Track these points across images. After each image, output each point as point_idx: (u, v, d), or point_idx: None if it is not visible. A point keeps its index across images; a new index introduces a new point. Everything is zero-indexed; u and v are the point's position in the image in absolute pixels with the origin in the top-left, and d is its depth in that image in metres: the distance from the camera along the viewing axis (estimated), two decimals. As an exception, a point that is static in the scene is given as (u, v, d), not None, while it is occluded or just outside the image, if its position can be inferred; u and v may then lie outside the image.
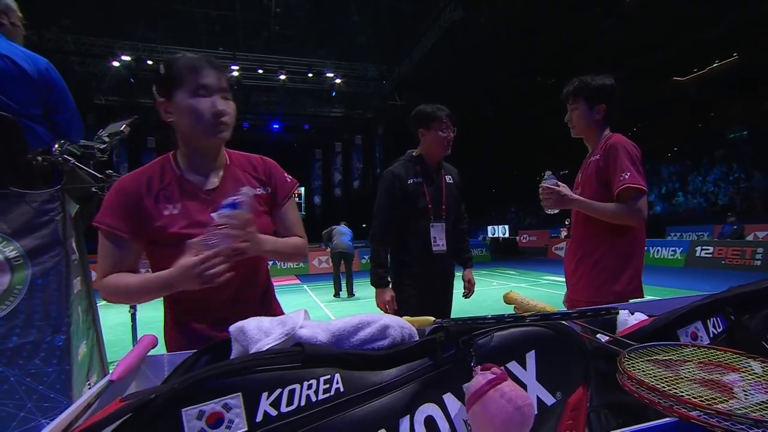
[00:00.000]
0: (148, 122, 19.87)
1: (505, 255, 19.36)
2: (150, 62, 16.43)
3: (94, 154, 1.51)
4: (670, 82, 21.37)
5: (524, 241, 21.88)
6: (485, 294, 8.72)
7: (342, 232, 9.31)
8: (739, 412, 0.54)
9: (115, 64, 16.13)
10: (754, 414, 0.55)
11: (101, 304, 1.62)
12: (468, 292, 2.57)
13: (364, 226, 18.80)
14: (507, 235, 21.85)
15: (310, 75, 18.67)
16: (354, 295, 9.35)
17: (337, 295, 9.38)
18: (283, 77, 17.80)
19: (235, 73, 17.63)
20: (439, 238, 2.33)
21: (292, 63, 18.07)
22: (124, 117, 1.74)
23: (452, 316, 2.01)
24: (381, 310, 2.20)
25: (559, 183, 1.83)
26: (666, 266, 12.80)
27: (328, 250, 9.67)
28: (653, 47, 16.69)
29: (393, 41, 17.41)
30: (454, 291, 2.52)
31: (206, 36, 16.41)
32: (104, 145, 1.54)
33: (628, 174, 1.73)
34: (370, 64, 19.46)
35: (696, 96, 20.77)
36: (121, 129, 1.63)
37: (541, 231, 21.08)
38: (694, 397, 0.60)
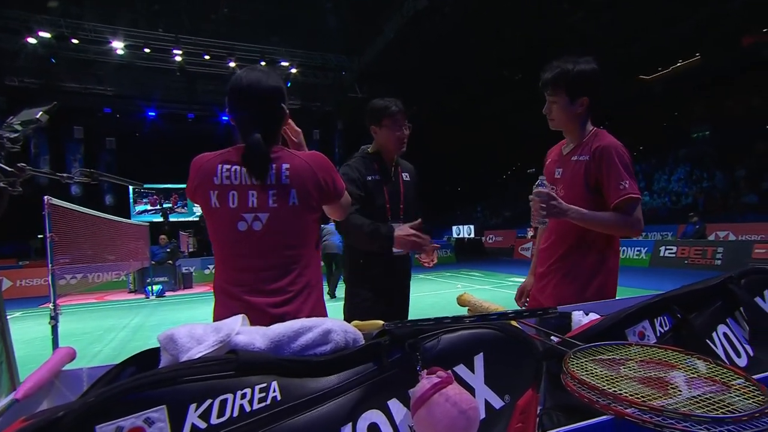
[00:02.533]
0: (73, 109, 19.03)
1: (471, 256, 19.73)
2: (75, 41, 15.48)
3: (3, 144, 1.42)
4: (636, 81, 22.42)
5: (490, 241, 22.35)
6: (449, 296, 8.86)
7: (332, 231, 9.10)
8: (671, 407, 0.59)
9: (32, 40, 14.93)
10: (684, 409, 0.59)
11: (13, 316, 1.53)
12: (432, 259, 2.39)
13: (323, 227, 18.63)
14: (472, 235, 22.25)
15: (263, 63, 18.30)
16: (335, 296, 9.30)
17: (333, 295, 9.24)
18: (232, 64, 17.38)
19: (178, 59, 17.06)
20: None
21: (242, 49, 17.67)
22: (41, 102, 1.64)
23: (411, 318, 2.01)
24: (421, 245, 2.07)
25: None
26: (631, 266, 13.43)
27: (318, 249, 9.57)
28: (620, 44, 17.45)
29: (353, 29, 17.37)
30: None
31: (143, 15, 15.75)
32: (16, 134, 1.44)
33: (627, 183, 1.71)
34: (328, 53, 19.30)
35: (661, 94, 21.88)
36: (38, 116, 1.53)
37: (508, 231, 21.62)
38: (631, 395, 0.64)
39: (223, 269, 1.45)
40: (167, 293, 11.70)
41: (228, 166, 1.42)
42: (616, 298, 1.42)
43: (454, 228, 23.23)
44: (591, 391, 0.67)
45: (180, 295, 11.59)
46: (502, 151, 27.81)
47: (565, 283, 1.85)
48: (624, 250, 14.13)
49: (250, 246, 1.41)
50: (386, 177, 2.36)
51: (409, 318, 2.31)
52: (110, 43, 16.00)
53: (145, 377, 0.67)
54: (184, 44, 16.83)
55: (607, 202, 1.75)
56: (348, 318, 2.27)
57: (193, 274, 13.40)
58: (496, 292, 9.55)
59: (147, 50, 16.43)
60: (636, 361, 0.80)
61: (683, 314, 1.12)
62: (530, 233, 17.46)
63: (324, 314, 1.51)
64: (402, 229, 2.08)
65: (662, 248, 13.16)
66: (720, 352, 1.15)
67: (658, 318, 1.10)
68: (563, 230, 1.88)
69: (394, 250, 2.15)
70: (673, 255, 12.73)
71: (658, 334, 1.08)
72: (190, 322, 0.98)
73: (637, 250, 13.87)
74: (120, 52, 16.38)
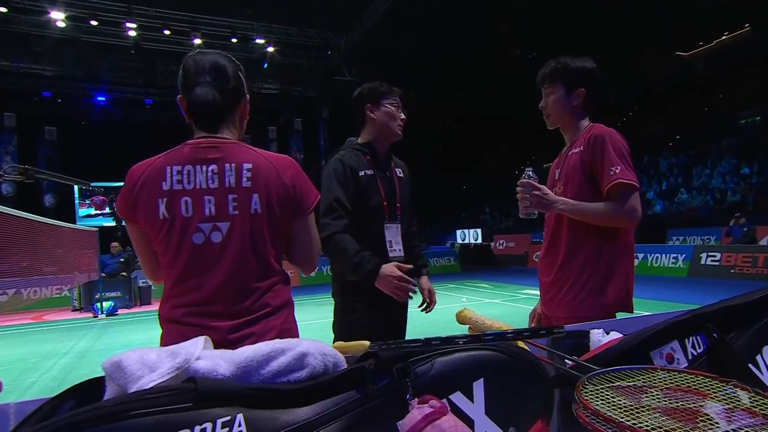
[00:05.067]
0: (3, 92, 18.74)
1: (478, 265, 19.78)
2: (4, 10, 15.18)
3: None
4: (672, 58, 22.54)
5: (500, 247, 22.47)
6: (453, 313, 8.84)
7: None
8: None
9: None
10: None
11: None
12: (429, 303, 2.60)
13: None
14: (480, 240, 22.27)
15: (234, 40, 18.28)
16: None
17: None
18: (197, 41, 17.35)
19: (132, 33, 17.00)
20: (395, 242, 2.38)
21: (209, 23, 17.66)
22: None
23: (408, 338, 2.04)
24: (401, 294, 2.16)
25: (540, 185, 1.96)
26: (666, 276, 13.47)
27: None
28: (653, 14, 17.54)
29: (340, 2, 17.36)
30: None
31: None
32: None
33: (618, 168, 1.87)
34: (311, 29, 19.31)
35: (703, 74, 21.96)
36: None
37: (521, 236, 21.72)
38: (652, 429, 0.65)
39: (173, 292, 1.44)
40: (120, 311, 11.63)
41: (179, 168, 1.41)
42: (645, 314, 1.43)
43: (459, 232, 23.24)
44: (606, 423, 0.68)
45: (135, 313, 11.53)
46: (514, 143, 27.84)
47: (574, 291, 1.96)
48: (657, 257, 14.18)
49: (208, 261, 1.40)
50: (380, 171, 2.40)
51: (407, 338, 2.35)
52: (49, 13, 15.86)
53: (84, 412, 0.67)
54: (138, 16, 16.75)
55: (600, 190, 1.92)
56: (339, 338, 2.29)
57: (152, 288, 13.32)
58: (508, 306, 9.58)
59: (94, 23, 16.33)
60: (661, 389, 0.81)
61: (720, 334, 1.13)
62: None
63: (295, 335, 1.52)
64: (389, 268, 2.15)
65: (703, 255, 13.19)
66: (766, 378, 1.16)
67: (690, 338, 1.11)
68: (559, 233, 2.04)
69: (389, 255, 2.33)
70: (717, 263, 12.75)
71: (690, 357, 1.09)
72: (148, 345, 0.98)
73: (674, 258, 13.90)
74: (61, 24, 16.25)
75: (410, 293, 2.18)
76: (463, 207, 31.32)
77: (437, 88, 22.02)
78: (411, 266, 2.20)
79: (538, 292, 2.26)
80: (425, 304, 2.61)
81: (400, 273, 2.14)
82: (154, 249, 1.47)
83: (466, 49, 19.35)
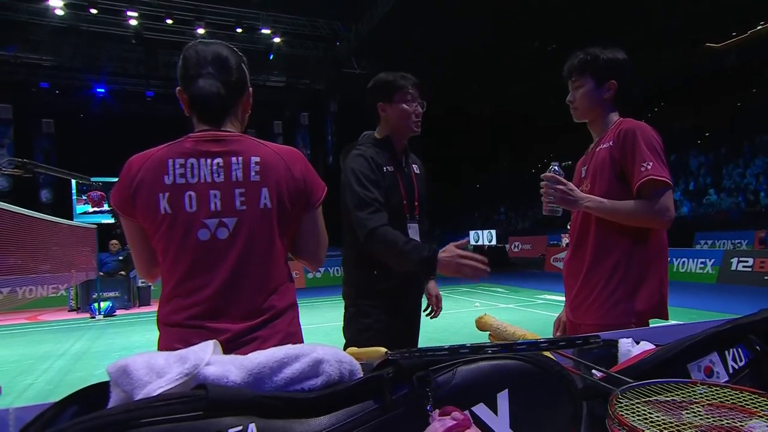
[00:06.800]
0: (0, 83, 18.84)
1: (492, 267, 19.49)
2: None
3: None
4: (701, 50, 22.33)
5: (516, 250, 22.46)
6: (466, 317, 8.83)
7: None
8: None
9: None
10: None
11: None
12: (436, 308, 2.67)
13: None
14: (494, 242, 22.29)
15: (239, 30, 18.37)
16: None
17: None
18: (201, 31, 17.44)
19: (133, 22, 17.12)
20: None
21: (213, 13, 17.73)
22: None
23: (421, 345, 2.03)
24: (464, 272, 2.00)
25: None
26: (693, 282, 13.35)
27: None
28: (679, 4, 17.37)
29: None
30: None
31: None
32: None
33: (651, 164, 1.84)
34: (319, 18, 19.34)
35: (735, 67, 21.70)
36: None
37: (538, 237, 21.66)
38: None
39: (175, 292, 1.43)
40: (118, 312, 11.74)
41: (182, 161, 1.40)
42: (676, 322, 1.41)
43: (472, 233, 23.22)
44: (645, 441, 0.67)
45: (134, 314, 11.62)
46: (531, 140, 27.74)
47: (603, 297, 1.95)
48: (684, 262, 14.06)
49: (213, 259, 1.40)
50: (399, 168, 2.41)
51: (420, 343, 2.36)
52: (47, 0, 15.98)
53: (89, 420, 0.67)
54: (140, 5, 16.85)
55: (631, 188, 1.90)
56: (350, 343, 2.30)
57: (152, 288, 13.41)
58: (524, 312, 9.51)
59: (94, 11, 16.44)
60: (703, 405, 0.79)
61: (764, 346, 1.11)
62: (565, 240, 17.43)
63: (300, 338, 1.52)
64: (448, 251, 2.03)
65: (734, 260, 13.06)
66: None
67: (731, 350, 1.09)
68: (586, 234, 2.02)
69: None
70: (749, 269, 12.62)
71: (731, 371, 1.07)
72: (147, 347, 0.98)
73: (702, 263, 13.78)
74: (59, 12, 16.38)
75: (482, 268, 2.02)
76: (476, 206, 31.24)
77: (450, 80, 21.94)
78: (467, 240, 2.09)
79: (556, 297, 2.26)
80: (431, 310, 2.65)
81: (461, 251, 2.00)
82: (151, 245, 1.47)
83: (480, 41, 19.28)
